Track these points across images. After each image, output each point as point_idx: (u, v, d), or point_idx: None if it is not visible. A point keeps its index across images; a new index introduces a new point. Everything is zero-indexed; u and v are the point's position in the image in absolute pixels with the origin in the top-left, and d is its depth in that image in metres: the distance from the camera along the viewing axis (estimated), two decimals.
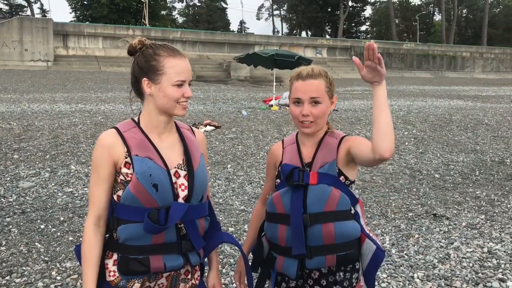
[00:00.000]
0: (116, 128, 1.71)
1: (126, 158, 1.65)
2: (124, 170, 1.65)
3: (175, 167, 1.69)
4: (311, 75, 1.83)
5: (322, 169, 1.81)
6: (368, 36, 74.24)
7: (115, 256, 1.69)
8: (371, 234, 1.88)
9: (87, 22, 40.71)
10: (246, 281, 2.05)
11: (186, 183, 1.69)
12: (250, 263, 2.06)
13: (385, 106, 1.65)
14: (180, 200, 1.67)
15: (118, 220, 1.66)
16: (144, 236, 1.62)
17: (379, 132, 1.63)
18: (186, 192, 1.68)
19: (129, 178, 1.63)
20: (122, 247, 1.66)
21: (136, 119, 1.76)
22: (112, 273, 1.68)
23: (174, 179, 1.68)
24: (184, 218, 1.66)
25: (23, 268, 3.78)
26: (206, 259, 1.94)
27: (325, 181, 1.79)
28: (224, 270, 3.80)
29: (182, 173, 1.70)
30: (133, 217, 1.63)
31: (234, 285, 3.53)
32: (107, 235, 1.72)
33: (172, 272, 1.73)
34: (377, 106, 1.65)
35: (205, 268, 1.97)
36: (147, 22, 44.17)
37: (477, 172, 7.40)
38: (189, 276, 1.80)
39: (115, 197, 1.68)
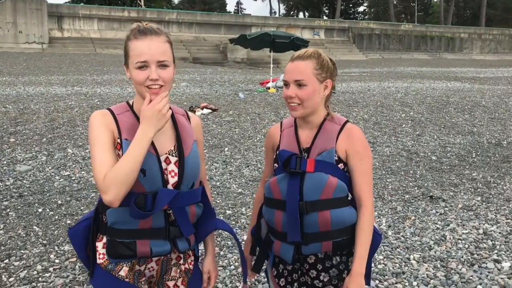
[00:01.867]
0: (110, 110, 1.69)
1: (118, 139, 1.63)
2: (116, 151, 1.63)
3: (166, 153, 1.67)
4: (301, 56, 1.81)
5: (320, 156, 1.79)
6: (366, 17, 73.62)
7: (104, 239, 1.70)
8: None
9: (82, 4, 40.17)
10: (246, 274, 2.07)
11: (176, 170, 1.67)
12: (250, 246, 2.08)
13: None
14: (170, 186, 1.65)
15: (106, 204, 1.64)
16: (131, 220, 1.61)
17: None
18: (176, 178, 1.66)
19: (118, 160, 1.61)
20: (110, 230, 1.66)
21: (131, 102, 1.74)
22: (101, 256, 1.69)
23: (164, 165, 1.66)
24: (172, 204, 1.64)
25: (22, 251, 3.79)
26: (202, 245, 1.94)
27: (322, 169, 1.76)
28: (222, 253, 3.83)
29: (173, 159, 1.68)
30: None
31: (232, 267, 3.56)
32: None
33: (162, 256, 1.73)
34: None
35: (201, 253, 1.97)
36: (142, 3, 43.63)
37: (474, 154, 7.43)
38: (181, 261, 1.81)
39: None
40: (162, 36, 1.63)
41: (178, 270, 1.80)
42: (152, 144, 1.63)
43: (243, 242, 2.11)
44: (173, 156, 1.68)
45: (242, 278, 1.96)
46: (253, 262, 2.06)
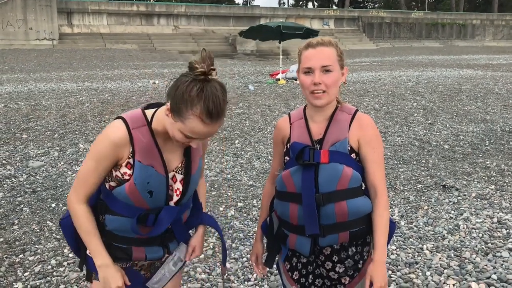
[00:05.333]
0: (126, 123, 1.62)
1: (129, 158, 1.62)
2: (123, 169, 1.63)
3: (173, 171, 1.69)
4: (321, 43, 1.77)
5: (333, 147, 1.76)
6: (376, 5, 72.76)
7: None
8: None
9: None
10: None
11: (181, 188, 1.70)
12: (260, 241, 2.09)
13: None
14: (172, 203, 1.70)
15: (107, 208, 1.67)
16: (131, 231, 1.66)
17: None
18: (179, 197, 1.71)
19: (126, 177, 1.62)
20: (107, 234, 1.70)
21: (149, 114, 1.66)
22: None
23: (171, 183, 1.68)
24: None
25: (36, 246, 3.84)
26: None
27: (336, 160, 1.74)
28: (233, 245, 3.83)
29: (179, 177, 1.70)
30: (122, 211, 1.65)
31: (244, 259, 3.57)
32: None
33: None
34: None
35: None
36: None
37: (487, 142, 7.33)
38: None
39: (107, 185, 1.68)
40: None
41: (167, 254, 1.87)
42: (164, 164, 1.64)
43: (243, 240, 2.09)
44: (179, 173, 1.70)
45: (221, 261, 2.00)
46: (264, 256, 2.05)
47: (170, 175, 1.67)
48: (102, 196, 1.69)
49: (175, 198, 1.69)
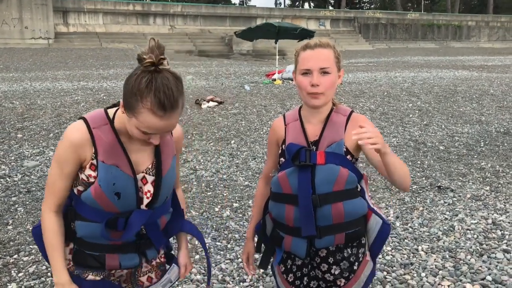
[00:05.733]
0: (86, 122, 1.56)
1: (92, 159, 1.54)
2: (88, 171, 1.56)
3: (143, 172, 1.60)
4: (319, 44, 1.77)
5: (329, 148, 1.76)
6: (372, 6, 72.94)
7: (71, 245, 1.66)
8: (375, 208, 1.87)
9: None
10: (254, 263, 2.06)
11: (152, 190, 1.61)
12: (253, 243, 2.07)
13: (397, 165, 1.70)
14: (143, 206, 1.61)
15: (76, 214, 1.61)
16: (101, 237, 1.58)
17: (394, 178, 1.73)
18: (150, 199, 1.61)
19: (92, 180, 1.55)
20: (78, 241, 1.63)
21: (111, 112, 1.60)
22: (67, 262, 1.66)
23: (140, 184, 1.59)
24: (145, 223, 1.63)
25: (30, 246, 3.81)
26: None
27: (333, 161, 1.74)
28: (229, 246, 3.83)
29: (150, 178, 1.61)
30: (91, 216, 1.57)
31: (240, 260, 3.56)
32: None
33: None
34: (390, 170, 1.71)
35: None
36: None
37: (482, 143, 7.36)
38: (150, 262, 1.78)
39: (75, 190, 1.61)
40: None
41: (149, 266, 1.77)
42: (130, 164, 1.56)
43: (239, 241, 2.08)
44: (149, 175, 1.61)
45: (206, 281, 1.91)
46: (256, 257, 2.04)
47: (140, 176, 1.59)
48: (73, 202, 1.63)
49: (146, 201, 1.60)
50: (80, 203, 1.59)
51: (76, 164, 1.56)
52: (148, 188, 1.61)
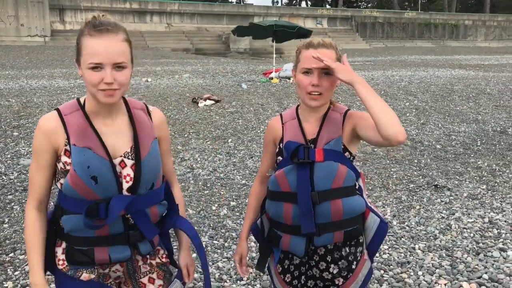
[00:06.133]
0: (58, 110, 1.57)
1: (66, 145, 1.53)
2: (63, 158, 1.54)
3: (121, 156, 1.56)
4: (322, 44, 1.76)
5: (327, 145, 1.76)
6: (369, 5, 73.00)
7: (63, 245, 1.63)
8: (373, 207, 1.87)
9: None
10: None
11: (132, 174, 1.56)
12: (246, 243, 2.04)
13: (371, 97, 1.63)
14: (125, 191, 1.56)
15: (62, 209, 1.58)
16: (85, 228, 1.54)
17: (378, 122, 1.59)
18: (130, 183, 1.56)
19: (68, 167, 1.53)
20: (67, 237, 1.59)
21: (82, 100, 1.61)
22: (61, 262, 1.63)
23: (119, 169, 1.55)
24: (129, 210, 1.56)
25: None
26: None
27: (331, 158, 1.74)
28: (226, 244, 3.83)
29: (129, 162, 1.57)
30: (74, 208, 1.54)
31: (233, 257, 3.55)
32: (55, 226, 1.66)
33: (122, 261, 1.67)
34: (363, 101, 1.64)
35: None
36: None
37: (479, 142, 7.38)
38: (148, 261, 1.73)
39: (58, 184, 1.60)
40: (120, 34, 1.49)
41: (149, 266, 1.73)
42: (104, 147, 1.54)
43: (236, 240, 2.08)
44: (129, 159, 1.57)
45: (205, 284, 1.82)
46: (249, 255, 2.03)
47: (118, 160, 1.55)
48: (58, 200, 1.62)
49: (126, 185, 1.56)
50: (63, 197, 1.58)
51: (51, 153, 1.56)
52: (127, 171, 1.57)
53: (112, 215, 1.52)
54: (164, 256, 1.77)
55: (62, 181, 1.58)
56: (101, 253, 1.58)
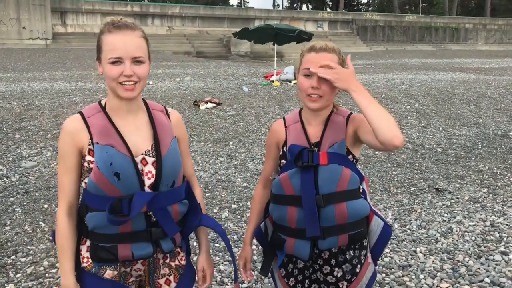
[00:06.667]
0: (81, 113, 1.65)
1: (89, 145, 1.60)
2: (88, 157, 1.60)
3: (142, 154, 1.62)
4: (324, 48, 1.77)
5: (331, 148, 1.77)
6: (370, 8, 73.12)
7: (88, 242, 1.67)
8: (376, 210, 1.88)
9: None
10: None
11: (153, 171, 1.61)
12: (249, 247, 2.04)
13: (367, 103, 1.65)
14: (147, 188, 1.60)
15: (86, 207, 1.62)
16: (110, 225, 1.58)
17: (374, 127, 1.62)
18: (152, 180, 1.61)
19: (92, 166, 1.58)
20: (91, 235, 1.63)
21: (103, 102, 1.68)
22: (85, 260, 1.67)
23: (140, 166, 1.60)
24: (151, 206, 1.60)
25: (28, 247, 3.80)
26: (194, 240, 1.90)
27: (335, 161, 1.75)
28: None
29: (150, 160, 1.62)
30: (98, 205, 1.58)
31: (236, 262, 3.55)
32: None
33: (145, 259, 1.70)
34: (359, 107, 1.67)
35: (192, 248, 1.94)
36: None
37: (480, 145, 7.38)
38: (168, 260, 1.76)
39: (83, 184, 1.65)
40: (137, 31, 1.59)
41: (168, 268, 1.76)
42: (126, 145, 1.60)
43: (242, 237, 2.08)
44: (150, 156, 1.63)
45: (233, 278, 1.90)
46: (253, 260, 2.03)
47: (139, 158, 1.61)
48: (83, 198, 1.65)
49: (148, 182, 1.60)
50: (87, 195, 1.62)
51: (77, 154, 1.62)
52: (149, 169, 1.62)
53: (135, 210, 1.56)
54: (183, 258, 1.80)
55: (86, 180, 1.62)
56: (124, 250, 1.62)
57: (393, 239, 3.97)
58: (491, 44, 48.55)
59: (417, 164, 6.35)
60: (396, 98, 11.55)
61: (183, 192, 1.72)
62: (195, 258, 2.13)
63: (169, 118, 1.74)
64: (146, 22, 34.95)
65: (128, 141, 1.61)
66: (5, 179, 5.60)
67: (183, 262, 1.80)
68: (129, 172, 1.57)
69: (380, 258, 3.57)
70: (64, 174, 1.63)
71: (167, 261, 1.76)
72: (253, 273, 2.07)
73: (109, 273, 1.66)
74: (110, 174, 1.55)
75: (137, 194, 1.58)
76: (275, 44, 17.55)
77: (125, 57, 1.54)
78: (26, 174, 5.79)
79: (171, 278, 1.77)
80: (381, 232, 1.84)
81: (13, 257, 3.64)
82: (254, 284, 3.22)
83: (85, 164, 1.61)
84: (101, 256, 1.62)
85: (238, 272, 1.82)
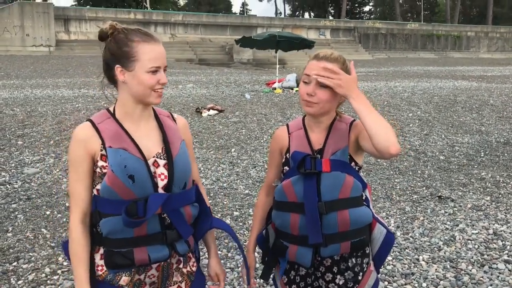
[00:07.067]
0: (91, 121, 1.66)
1: (101, 150, 1.61)
2: (100, 163, 1.61)
3: (153, 157, 1.65)
4: (326, 57, 1.78)
5: (334, 155, 1.77)
6: (372, 16, 73.40)
7: (101, 250, 1.66)
8: (379, 218, 1.87)
9: (88, 6, 40.37)
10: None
11: (166, 173, 1.64)
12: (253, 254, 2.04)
13: (365, 111, 1.65)
14: (160, 190, 1.62)
15: (99, 213, 1.62)
16: (125, 229, 1.58)
17: (371, 134, 1.63)
18: (165, 181, 1.64)
19: (105, 171, 1.59)
20: (105, 241, 1.62)
21: (111, 109, 1.71)
22: (100, 268, 1.66)
23: (153, 168, 1.63)
24: (165, 208, 1.62)
25: (30, 254, 3.80)
26: (202, 245, 1.91)
27: (338, 168, 1.75)
28: (229, 254, 3.82)
29: (162, 162, 1.65)
30: (113, 210, 1.58)
31: (240, 268, 3.55)
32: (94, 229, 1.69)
33: (162, 262, 1.69)
34: (358, 115, 1.68)
35: (201, 254, 1.93)
36: (148, 5, 43.77)
37: (482, 153, 7.36)
38: (181, 266, 1.76)
39: (94, 191, 1.64)
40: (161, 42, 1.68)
41: (180, 274, 1.76)
42: (138, 148, 1.62)
43: (245, 244, 2.07)
44: (161, 159, 1.66)
45: (246, 280, 1.91)
46: (253, 266, 2.02)
47: (151, 160, 1.63)
48: (95, 205, 1.65)
49: (161, 183, 1.63)
50: (100, 201, 1.62)
51: (88, 161, 1.62)
52: (161, 171, 1.64)
53: (150, 211, 1.57)
54: (195, 265, 1.81)
55: (98, 186, 1.63)
56: (140, 253, 1.61)
57: (395, 247, 3.96)
58: (493, 52, 48.61)
59: (419, 171, 6.34)
60: (398, 106, 11.55)
61: (193, 195, 1.74)
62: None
63: (175, 123, 1.78)
64: (149, 29, 34.46)
65: (140, 145, 1.64)
66: (7, 185, 5.61)
67: (194, 269, 1.80)
68: (143, 174, 1.60)
69: (382, 266, 3.56)
70: (76, 182, 1.63)
71: (180, 266, 1.76)
72: (256, 280, 2.06)
73: (124, 279, 1.65)
74: (124, 176, 1.56)
75: (152, 196, 1.59)
76: (277, 52, 17.61)
77: (162, 67, 1.63)
78: (29, 181, 5.80)
79: (183, 285, 1.77)
80: (384, 239, 1.83)
81: (14, 263, 3.64)
82: (261, 287, 3.22)
83: (98, 170, 1.62)
84: (116, 262, 1.61)
85: (241, 279, 1.81)
